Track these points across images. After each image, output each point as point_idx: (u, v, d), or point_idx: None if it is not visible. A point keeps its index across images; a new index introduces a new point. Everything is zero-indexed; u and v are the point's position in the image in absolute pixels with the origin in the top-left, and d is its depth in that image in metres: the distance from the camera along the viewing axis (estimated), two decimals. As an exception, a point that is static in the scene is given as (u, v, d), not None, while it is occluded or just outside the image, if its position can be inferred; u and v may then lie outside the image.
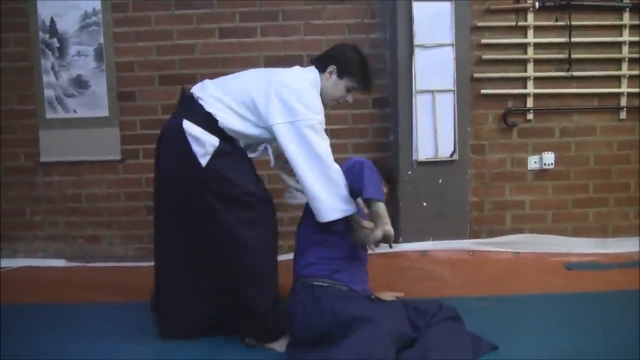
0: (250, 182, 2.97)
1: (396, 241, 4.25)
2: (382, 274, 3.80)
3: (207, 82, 3.02)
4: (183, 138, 2.86)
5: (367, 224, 2.98)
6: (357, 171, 2.83)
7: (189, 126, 2.86)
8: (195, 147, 2.86)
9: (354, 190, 2.85)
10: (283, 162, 3.23)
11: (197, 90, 2.98)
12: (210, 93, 2.93)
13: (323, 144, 2.85)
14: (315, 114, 2.87)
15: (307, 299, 2.84)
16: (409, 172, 4.21)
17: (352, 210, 2.88)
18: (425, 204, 4.23)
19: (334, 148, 2.88)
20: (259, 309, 2.92)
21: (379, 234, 2.80)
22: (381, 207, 2.80)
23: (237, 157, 2.97)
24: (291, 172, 3.26)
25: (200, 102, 2.91)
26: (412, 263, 4.13)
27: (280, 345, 2.98)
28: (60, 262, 4.44)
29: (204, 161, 2.86)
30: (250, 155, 3.04)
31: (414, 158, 4.19)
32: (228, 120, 2.90)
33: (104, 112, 4.42)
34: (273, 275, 3.00)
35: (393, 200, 4.36)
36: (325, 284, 2.90)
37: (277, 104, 2.85)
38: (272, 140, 3.01)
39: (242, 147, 3.00)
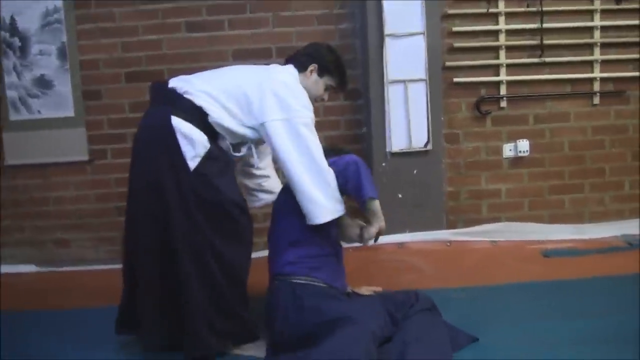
0: (236, 191, 2.87)
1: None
2: (359, 267, 3.75)
3: (187, 77, 2.89)
4: (171, 136, 2.70)
5: (358, 222, 2.96)
6: (353, 171, 2.76)
7: (178, 122, 2.71)
8: (185, 148, 2.71)
9: (347, 190, 2.79)
10: (243, 164, 3.18)
11: (179, 84, 2.82)
12: (198, 87, 2.79)
13: (317, 143, 2.79)
14: (309, 112, 2.81)
15: (288, 298, 2.76)
16: (383, 164, 4.15)
17: (344, 210, 2.83)
18: (400, 196, 4.17)
19: (306, 142, 2.81)
20: (235, 312, 2.84)
21: (374, 231, 2.79)
22: (378, 204, 2.77)
23: (226, 162, 2.85)
24: (250, 176, 3.20)
25: (188, 96, 2.77)
26: (389, 255, 4.06)
27: (257, 350, 2.89)
28: (30, 268, 4.31)
29: (192, 164, 2.72)
30: (235, 154, 2.93)
31: (387, 149, 4.13)
32: (219, 115, 2.77)
33: (69, 112, 4.30)
34: (245, 280, 2.92)
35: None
36: (305, 282, 2.82)
37: (272, 100, 2.76)
38: (257, 140, 2.94)
39: (227, 150, 2.89)
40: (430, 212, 4.21)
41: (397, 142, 4.12)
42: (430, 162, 4.17)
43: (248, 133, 2.85)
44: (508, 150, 4.41)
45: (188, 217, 2.73)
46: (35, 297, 3.79)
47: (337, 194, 2.77)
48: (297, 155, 2.74)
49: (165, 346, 2.86)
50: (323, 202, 2.74)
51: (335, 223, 2.89)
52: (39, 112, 4.29)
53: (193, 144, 2.72)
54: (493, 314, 3.14)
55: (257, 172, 3.21)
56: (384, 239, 4.14)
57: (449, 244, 4.14)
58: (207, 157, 2.75)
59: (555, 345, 2.75)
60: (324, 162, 2.77)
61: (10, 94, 4.28)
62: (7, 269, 4.27)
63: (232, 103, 2.79)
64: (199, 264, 2.75)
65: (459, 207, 4.43)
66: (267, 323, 2.84)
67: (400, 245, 4.15)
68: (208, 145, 2.75)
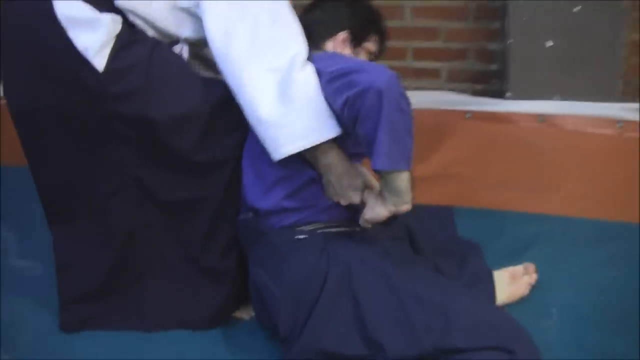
0: (187, 89, 1.72)
1: (501, 96, 2.79)
2: (473, 150, 2.50)
3: None
4: (54, 27, 1.56)
5: (363, 171, 1.71)
6: (370, 108, 1.47)
7: (64, 5, 1.55)
8: (82, 39, 1.57)
9: (355, 133, 1.55)
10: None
11: None
12: None
13: (297, 29, 1.66)
14: None
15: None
16: (520, 2, 2.60)
17: (337, 131, 1.60)
18: (550, 43, 2.64)
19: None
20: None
21: (383, 215, 1.60)
22: (405, 180, 1.53)
23: (154, 43, 1.69)
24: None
25: None
26: (522, 134, 2.63)
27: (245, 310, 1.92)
28: None
29: (100, 61, 1.59)
30: None
31: (532, -29, 2.56)
32: None
33: None
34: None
35: (498, 35, 2.85)
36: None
37: None
38: (195, 41, 1.76)
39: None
40: (597, 71, 2.64)
41: (549, -41, 2.52)
42: (605, -8, 2.55)
43: (181, 26, 1.69)
44: None
45: (112, 155, 1.71)
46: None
47: (323, 106, 1.58)
48: (257, 52, 1.59)
49: None
50: (292, 119, 1.59)
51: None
52: None
53: (93, 28, 1.56)
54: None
55: None
56: (516, 106, 2.76)
57: (620, 124, 2.60)
58: (122, 43, 1.61)
59: None
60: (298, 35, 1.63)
61: None
62: None
63: None
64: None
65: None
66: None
67: (542, 118, 2.67)
68: (118, 26, 1.60)
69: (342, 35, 1.84)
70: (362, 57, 1.90)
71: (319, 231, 1.71)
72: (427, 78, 3.00)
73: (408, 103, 1.50)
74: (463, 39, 2.93)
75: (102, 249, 1.80)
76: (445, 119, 2.72)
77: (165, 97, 1.67)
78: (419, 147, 2.57)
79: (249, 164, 1.77)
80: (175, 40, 1.76)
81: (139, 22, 1.66)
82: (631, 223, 2.20)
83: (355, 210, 1.73)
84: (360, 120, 1.48)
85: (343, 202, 1.68)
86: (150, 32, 1.70)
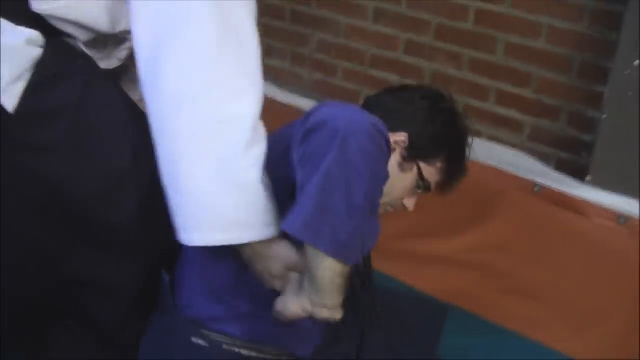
0: (127, 146, 1.30)
1: (581, 178, 2.25)
2: (522, 235, 2.06)
3: None
4: None
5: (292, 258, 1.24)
6: (317, 144, 1.08)
7: None
8: None
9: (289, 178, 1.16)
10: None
11: None
12: None
13: (254, 50, 1.16)
14: None
15: None
16: (627, 72, 2.01)
17: (269, 233, 1.20)
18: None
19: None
20: None
21: (293, 308, 1.18)
22: (328, 269, 1.10)
23: (89, 75, 1.28)
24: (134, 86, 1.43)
25: None
26: (593, 233, 2.11)
27: None
28: None
29: (10, 99, 1.18)
30: (106, 63, 1.36)
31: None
32: None
33: None
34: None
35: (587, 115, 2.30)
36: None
37: None
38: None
39: (87, 53, 1.30)
40: None
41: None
42: None
43: (119, 20, 1.25)
44: None
45: (20, 220, 1.26)
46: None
47: (261, 198, 1.17)
48: (195, 89, 1.13)
49: None
50: (220, 202, 1.16)
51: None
52: None
53: (2, 54, 1.16)
54: None
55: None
56: (594, 197, 2.20)
57: None
58: (42, 77, 1.20)
59: None
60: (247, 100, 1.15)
61: None
62: None
63: None
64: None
65: None
66: None
67: (623, 220, 2.11)
68: (37, 50, 1.20)
69: (400, 136, 1.38)
70: (410, 178, 1.41)
71: (225, 346, 1.33)
72: (506, 129, 2.49)
73: (374, 173, 1.07)
74: (558, 95, 2.38)
75: None
76: (508, 185, 2.23)
77: (95, 157, 1.26)
78: (458, 213, 2.13)
79: None
80: (122, 38, 1.34)
81: (65, 28, 1.27)
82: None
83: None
84: (304, 159, 1.08)
85: (266, 286, 1.29)
86: (83, 35, 1.31)
